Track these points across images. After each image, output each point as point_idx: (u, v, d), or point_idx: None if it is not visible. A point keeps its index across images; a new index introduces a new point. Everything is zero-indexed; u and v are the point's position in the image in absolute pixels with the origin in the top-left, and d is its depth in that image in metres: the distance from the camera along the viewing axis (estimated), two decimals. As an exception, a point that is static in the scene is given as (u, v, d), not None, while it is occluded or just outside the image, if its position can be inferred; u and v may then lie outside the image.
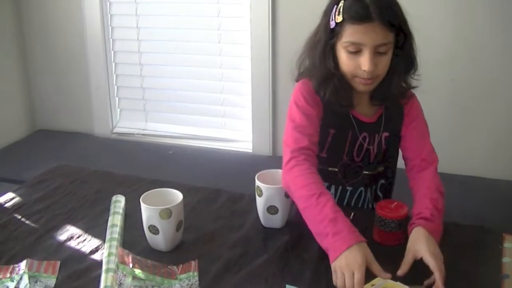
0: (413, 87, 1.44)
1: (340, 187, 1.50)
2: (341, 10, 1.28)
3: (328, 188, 1.50)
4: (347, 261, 1.10)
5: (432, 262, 1.11)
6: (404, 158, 1.47)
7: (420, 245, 1.16)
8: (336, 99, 1.37)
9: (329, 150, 1.45)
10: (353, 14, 1.26)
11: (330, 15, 1.32)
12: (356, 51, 1.29)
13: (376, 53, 1.28)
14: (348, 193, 1.50)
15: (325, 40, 1.34)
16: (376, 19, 1.24)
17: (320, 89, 1.38)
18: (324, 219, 1.18)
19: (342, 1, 1.28)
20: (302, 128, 1.35)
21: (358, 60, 1.29)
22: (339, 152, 1.45)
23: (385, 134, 1.46)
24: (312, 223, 1.22)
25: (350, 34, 1.27)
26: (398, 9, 1.30)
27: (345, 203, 1.51)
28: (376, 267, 1.11)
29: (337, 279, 1.11)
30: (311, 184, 1.25)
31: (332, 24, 1.31)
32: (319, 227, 1.19)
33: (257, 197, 1.35)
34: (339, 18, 1.28)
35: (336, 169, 1.47)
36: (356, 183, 1.49)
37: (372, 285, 1.11)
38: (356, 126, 1.43)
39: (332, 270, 1.13)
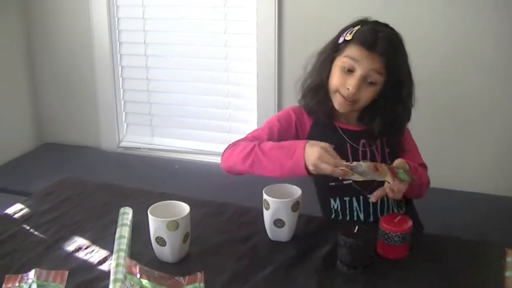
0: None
1: (361, 198, 1.52)
2: (354, 32, 1.43)
3: (350, 202, 1.54)
4: (313, 155, 1.27)
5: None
6: None
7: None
8: (318, 109, 1.52)
9: None
10: (362, 38, 1.41)
11: (342, 34, 1.47)
12: (349, 70, 1.42)
13: (365, 81, 1.42)
14: (371, 202, 1.52)
15: (328, 52, 1.50)
16: (378, 52, 1.39)
17: (307, 97, 1.54)
18: (272, 149, 1.37)
19: (359, 26, 1.44)
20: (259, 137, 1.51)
21: (347, 79, 1.43)
22: None
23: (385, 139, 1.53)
24: (268, 165, 1.37)
25: (352, 51, 1.42)
26: (402, 57, 1.45)
27: (371, 214, 1.53)
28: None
29: (326, 169, 1.26)
30: (248, 144, 1.42)
31: (341, 40, 1.46)
32: (275, 161, 1.36)
33: (264, 210, 1.37)
34: (349, 37, 1.43)
35: (350, 181, 1.49)
36: (374, 189, 1.48)
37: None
38: (351, 138, 1.52)
39: (314, 171, 1.29)
